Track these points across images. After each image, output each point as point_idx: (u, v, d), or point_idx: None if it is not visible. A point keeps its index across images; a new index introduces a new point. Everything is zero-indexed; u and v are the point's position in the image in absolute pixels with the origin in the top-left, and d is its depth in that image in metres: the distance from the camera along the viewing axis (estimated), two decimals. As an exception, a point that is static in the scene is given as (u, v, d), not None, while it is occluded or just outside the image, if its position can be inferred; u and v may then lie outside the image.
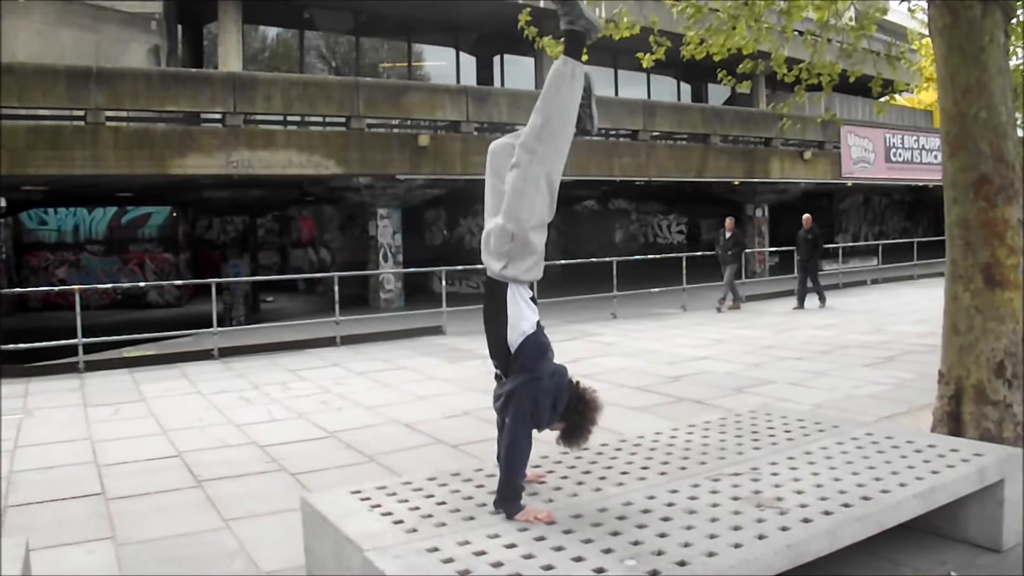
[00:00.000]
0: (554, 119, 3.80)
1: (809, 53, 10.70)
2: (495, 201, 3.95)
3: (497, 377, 3.95)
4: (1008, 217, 6.03)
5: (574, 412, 3.90)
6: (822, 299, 18.20)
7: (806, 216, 18.42)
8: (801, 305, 17.99)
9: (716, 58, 10.07)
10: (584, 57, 9.74)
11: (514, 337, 3.77)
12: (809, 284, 18.10)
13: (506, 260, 3.79)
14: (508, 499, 3.71)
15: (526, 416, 3.75)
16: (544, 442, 4.13)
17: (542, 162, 3.78)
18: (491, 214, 3.96)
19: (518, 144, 3.85)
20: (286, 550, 4.66)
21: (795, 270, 19.00)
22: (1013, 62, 11.96)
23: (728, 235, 18.11)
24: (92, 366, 11.93)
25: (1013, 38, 10.99)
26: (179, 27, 24.90)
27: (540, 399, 3.77)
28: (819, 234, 18.24)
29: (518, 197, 3.77)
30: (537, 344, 3.81)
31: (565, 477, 4.24)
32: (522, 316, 3.80)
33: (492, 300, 3.86)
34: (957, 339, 6.19)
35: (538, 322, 3.88)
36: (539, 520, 3.60)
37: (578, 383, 3.97)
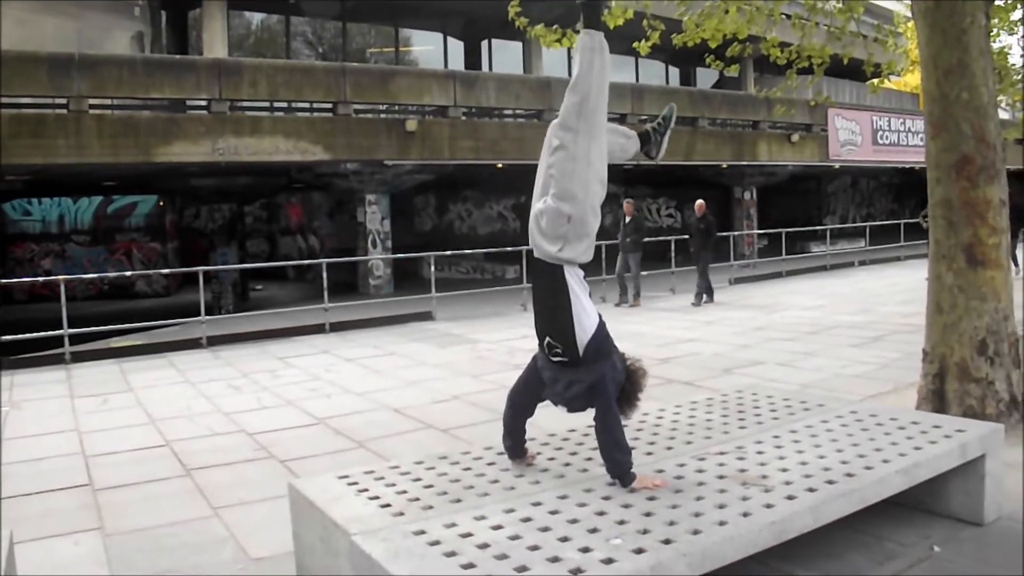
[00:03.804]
0: (592, 94, 3.75)
1: (798, 36, 10.70)
2: (547, 180, 3.91)
3: (555, 355, 3.85)
4: (990, 197, 6.08)
5: (626, 382, 3.93)
6: (708, 295, 16.15)
7: (699, 202, 16.55)
8: (699, 302, 15.97)
9: (712, 44, 10.07)
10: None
11: (585, 330, 3.76)
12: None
13: (562, 243, 3.76)
14: (622, 475, 3.76)
15: (612, 401, 3.82)
16: (531, 422, 4.16)
17: (588, 138, 3.74)
18: (538, 195, 3.93)
19: (556, 125, 3.81)
20: (275, 536, 4.67)
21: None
22: (995, 45, 12.01)
23: (628, 219, 15.86)
24: (79, 357, 11.87)
25: (995, 20, 11.04)
26: (163, 13, 24.78)
27: (618, 381, 3.85)
28: (712, 222, 16.43)
29: (569, 178, 3.74)
30: (605, 333, 3.85)
31: (552, 459, 4.26)
32: (586, 307, 3.80)
33: (547, 283, 3.83)
34: (941, 318, 6.25)
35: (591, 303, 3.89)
36: (656, 486, 3.70)
37: (623, 354, 3.99)
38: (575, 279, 3.81)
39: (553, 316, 3.82)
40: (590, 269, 3.97)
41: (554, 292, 3.81)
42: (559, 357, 3.84)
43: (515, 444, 4.19)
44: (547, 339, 3.86)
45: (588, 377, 3.79)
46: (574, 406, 3.94)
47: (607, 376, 3.80)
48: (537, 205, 3.89)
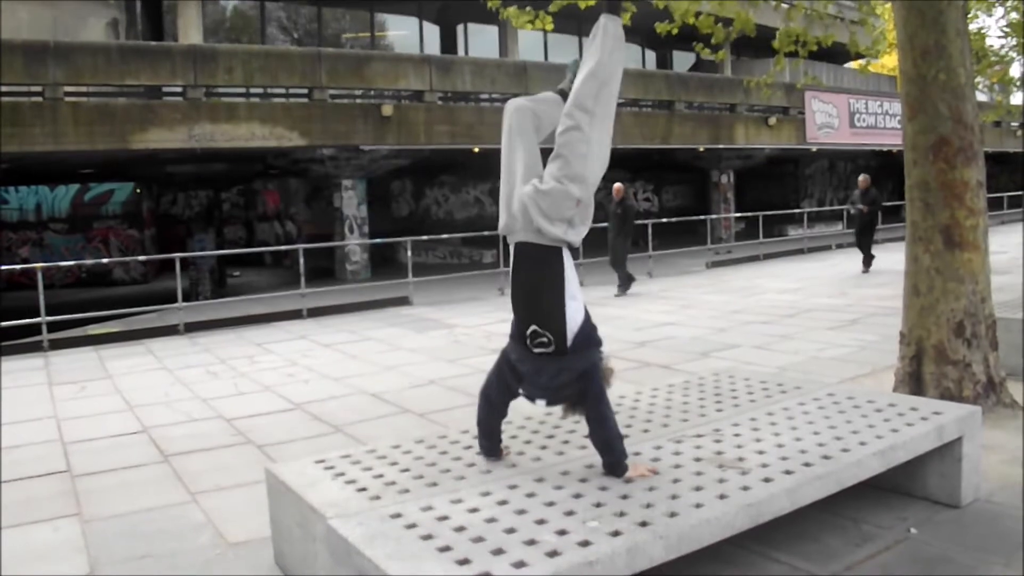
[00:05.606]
0: (612, 81, 3.77)
1: (782, 20, 10.67)
2: (530, 162, 3.83)
3: (539, 345, 3.67)
4: (967, 178, 6.09)
5: None
6: (624, 286, 15.40)
7: (616, 185, 15.76)
8: (622, 292, 15.33)
9: (717, 38, 10.02)
10: (549, 27, 9.42)
11: (574, 319, 3.64)
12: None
13: (566, 225, 3.66)
14: (617, 466, 3.66)
15: (603, 389, 3.71)
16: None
17: (601, 123, 3.73)
18: (523, 176, 3.78)
19: (572, 106, 3.71)
20: (253, 521, 4.65)
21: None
22: (973, 25, 12.05)
23: None
24: (57, 344, 11.78)
25: (972, 0, 11.08)
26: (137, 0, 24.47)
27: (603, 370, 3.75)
28: (630, 207, 15.66)
29: (582, 160, 3.66)
30: (593, 323, 3.75)
31: (529, 442, 4.25)
32: (575, 294, 3.68)
33: (538, 268, 3.67)
34: (918, 300, 6.27)
35: None
36: (647, 474, 3.65)
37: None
38: (570, 264, 3.70)
39: (541, 303, 3.65)
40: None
41: (546, 277, 3.65)
42: (543, 348, 3.66)
43: (492, 444, 4.04)
44: (532, 328, 3.66)
45: (578, 365, 3.65)
46: (559, 396, 3.75)
47: (598, 363, 3.69)
48: (531, 185, 3.70)
